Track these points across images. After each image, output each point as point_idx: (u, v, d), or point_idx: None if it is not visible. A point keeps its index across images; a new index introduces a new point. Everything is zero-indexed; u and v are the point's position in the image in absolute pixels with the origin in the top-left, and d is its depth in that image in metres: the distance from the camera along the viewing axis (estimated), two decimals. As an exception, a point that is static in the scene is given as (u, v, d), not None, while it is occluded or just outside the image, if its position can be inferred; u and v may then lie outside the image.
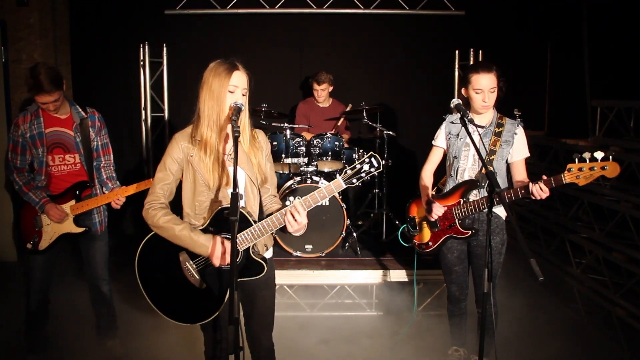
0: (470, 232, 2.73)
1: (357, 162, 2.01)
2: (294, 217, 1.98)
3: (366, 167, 1.99)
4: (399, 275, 3.81)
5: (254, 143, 2.16)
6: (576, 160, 2.34)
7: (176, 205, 2.16)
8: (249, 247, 2.06)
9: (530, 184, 2.41)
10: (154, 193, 2.08)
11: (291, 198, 3.93)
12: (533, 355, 3.23)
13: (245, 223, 2.02)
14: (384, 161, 4.44)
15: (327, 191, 1.98)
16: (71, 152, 2.97)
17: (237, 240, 2.01)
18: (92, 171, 3.04)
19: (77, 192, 2.96)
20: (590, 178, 2.34)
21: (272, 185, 2.26)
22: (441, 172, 2.97)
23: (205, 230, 2.05)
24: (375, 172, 2.00)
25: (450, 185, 2.81)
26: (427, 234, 2.92)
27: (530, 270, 1.83)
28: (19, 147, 2.91)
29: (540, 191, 2.38)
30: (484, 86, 2.61)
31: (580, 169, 2.33)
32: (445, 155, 2.90)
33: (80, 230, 2.99)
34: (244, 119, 2.09)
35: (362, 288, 4.01)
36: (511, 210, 2.13)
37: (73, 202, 2.95)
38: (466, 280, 2.92)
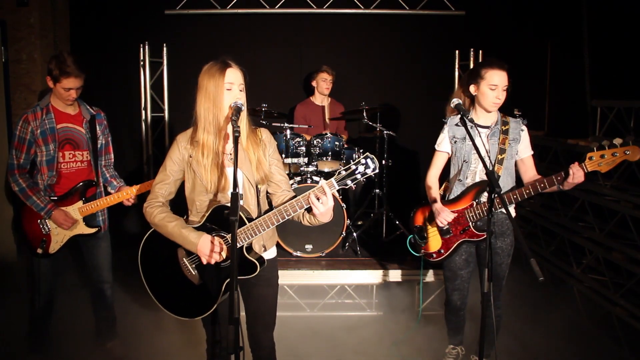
0: (486, 234, 2.66)
1: (352, 163, 1.93)
2: (319, 199, 1.93)
3: (361, 168, 1.91)
4: (399, 275, 3.80)
5: (254, 139, 2.15)
6: (595, 149, 2.35)
7: (181, 205, 2.20)
8: (243, 246, 2.05)
9: (570, 176, 2.36)
10: (153, 192, 2.14)
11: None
12: (533, 355, 3.23)
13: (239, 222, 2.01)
14: (384, 161, 4.45)
15: (318, 192, 1.93)
16: (80, 149, 2.93)
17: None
18: (98, 169, 3.02)
19: (84, 192, 2.90)
20: (613, 164, 2.35)
21: (281, 182, 2.20)
22: (441, 178, 2.89)
23: (201, 228, 2.07)
24: (371, 174, 1.92)
25: (459, 189, 2.72)
26: (437, 242, 2.80)
27: (530, 270, 1.83)
28: (25, 145, 2.78)
29: (574, 177, 2.35)
30: (499, 83, 2.54)
31: (602, 156, 2.34)
32: (448, 160, 2.82)
33: (93, 230, 2.93)
34: (243, 117, 2.10)
35: (362, 288, 4.01)
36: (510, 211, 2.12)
37: (80, 203, 2.89)
38: (468, 287, 2.85)
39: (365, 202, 4.77)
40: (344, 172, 1.93)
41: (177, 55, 5.27)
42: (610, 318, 3.42)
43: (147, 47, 5.12)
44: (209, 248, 2.00)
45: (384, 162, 4.41)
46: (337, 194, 1.96)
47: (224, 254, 2.05)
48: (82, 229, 2.92)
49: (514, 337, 3.33)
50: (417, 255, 2.92)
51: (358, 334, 3.54)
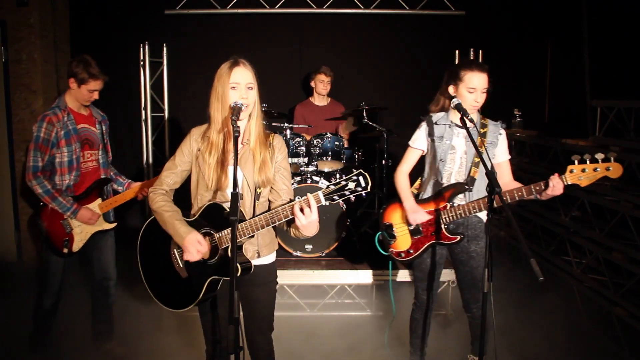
0: (458, 237, 2.59)
1: (342, 179, 1.86)
2: (302, 211, 1.88)
3: (351, 185, 1.84)
4: (399, 275, 3.80)
5: (263, 141, 2.14)
6: (576, 162, 2.33)
7: (186, 197, 2.24)
8: (228, 247, 2.05)
9: (556, 182, 2.33)
10: (159, 179, 2.21)
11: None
12: (533, 356, 3.23)
13: (228, 222, 1.99)
14: (384, 161, 4.45)
15: (303, 203, 1.89)
16: (94, 149, 3.02)
17: (219, 238, 2.07)
18: (107, 167, 3.11)
19: (101, 190, 2.98)
20: (593, 179, 2.33)
21: (282, 191, 2.16)
22: (412, 175, 2.82)
23: (194, 222, 2.11)
24: (361, 192, 1.86)
25: (433, 189, 2.66)
26: (407, 241, 2.72)
27: (530, 270, 1.83)
28: (49, 147, 2.78)
29: (553, 189, 2.33)
30: (478, 86, 2.49)
31: (583, 170, 2.32)
32: (421, 158, 2.76)
33: (113, 225, 3.02)
34: (254, 116, 2.10)
35: (362, 288, 4.01)
36: (510, 211, 2.11)
37: (99, 200, 2.96)
38: (438, 287, 2.80)
39: (365, 202, 4.77)
40: (333, 187, 1.87)
41: (177, 55, 5.28)
42: (610, 318, 3.41)
43: (147, 47, 5.12)
44: (194, 246, 2.01)
45: (383, 162, 4.41)
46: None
47: (204, 257, 2.07)
48: (103, 225, 3.00)
49: (514, 337, 3.32)
50: (385, 254, 2.83)
51: (358, 334, 3.54)
